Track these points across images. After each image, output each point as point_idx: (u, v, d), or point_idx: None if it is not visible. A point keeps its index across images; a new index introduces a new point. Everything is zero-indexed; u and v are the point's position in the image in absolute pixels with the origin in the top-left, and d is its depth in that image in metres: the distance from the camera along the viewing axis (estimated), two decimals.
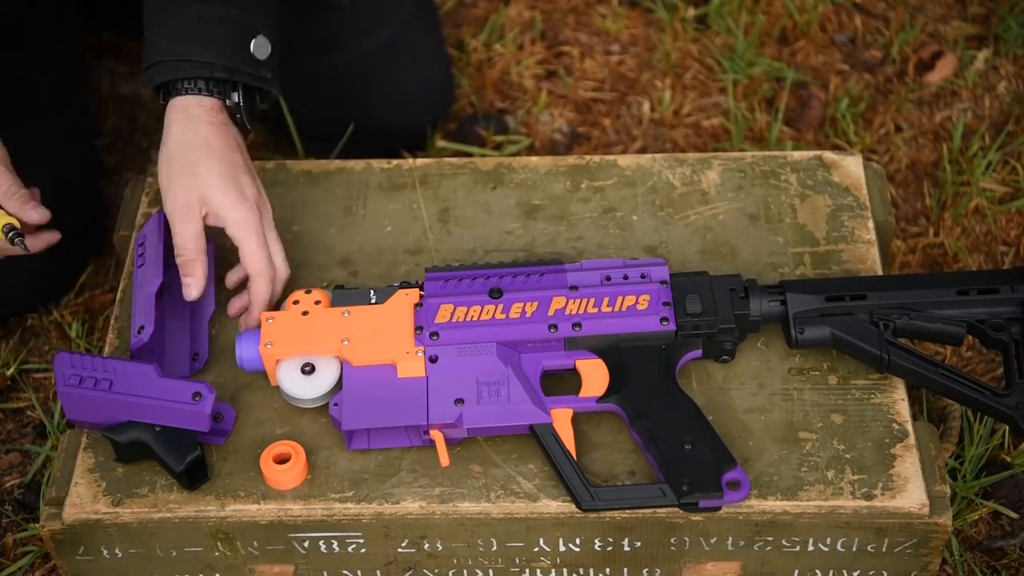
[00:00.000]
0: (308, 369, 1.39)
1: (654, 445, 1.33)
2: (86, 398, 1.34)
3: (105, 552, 1.38)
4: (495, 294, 1.41)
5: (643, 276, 1.43)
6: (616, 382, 1.38)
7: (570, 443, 1.35)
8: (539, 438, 1.35)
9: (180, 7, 1.43)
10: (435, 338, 1.39)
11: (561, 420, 1.36)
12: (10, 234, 1.42)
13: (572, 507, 1.34)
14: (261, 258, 1.42)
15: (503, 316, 1.40)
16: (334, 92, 1.86)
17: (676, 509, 1.33)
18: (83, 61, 1.92)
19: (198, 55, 1.42)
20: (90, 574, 1.41)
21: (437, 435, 1.35)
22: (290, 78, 1.87)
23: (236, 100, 1.45)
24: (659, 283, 1.42)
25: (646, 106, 2.05)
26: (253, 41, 1.44)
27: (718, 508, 1.32)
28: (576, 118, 2.06)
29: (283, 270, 1.45)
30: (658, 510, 1.33)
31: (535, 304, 1.41)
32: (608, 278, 1.43)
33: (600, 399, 1.37)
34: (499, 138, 2.00)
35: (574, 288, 1.42)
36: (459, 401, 1.36)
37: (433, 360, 1.38)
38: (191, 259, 1.40)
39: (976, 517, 1.59)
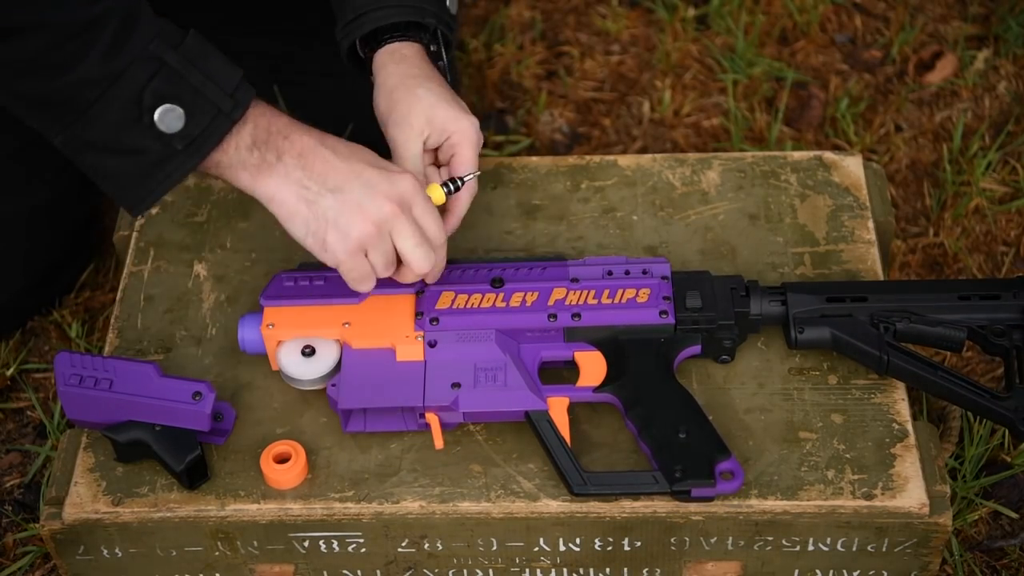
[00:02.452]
0: (308, 351, 1.40)
1: (648, 433, 1.34)
2: (86, 397, 1.34)
3: (105, 552, 1.38)
4: (496, 283, 1.42)
5: (644, 272, 1.43)
6: (613, 373, 1.38)
7: (564, 431, 1.35)
8: (534, 424, 1.35)
9: None
10: (435, 324, 1.40)
11: (557, 408, 1.36)
12: (452, 186, 1.42)
13: (572, 507, 1.34)
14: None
15: (503, 304, 1.41)
16: (337, 114, 1.86)
17: (676, 508, 1.33)
18: None
19: (410, 0, 1.45)
20: (90, 574, 1.41)
21: (433, 418, 1.36)
22: (294, 99, 1.88)
23: (434, 48, 1.48)
24: (660, 278, 1.42)
25: (646, 106, 2.05)
26: None
27: (711, 498, 1.32)
28: (576, 118, 2.06)
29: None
30: (658, 509, 1.33)
31: (535, 294, 1.41)
32: (609, 272, 1.43)
33: (596, 389, 1.38)
34: (499, 138, 2.00)
35: (575, 280, 1.42)
36: (456, 385, 1.36)
37: (432, 345, 1.39)
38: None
39: (976, 517, 1.59)
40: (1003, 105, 2.03)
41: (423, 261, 1.34)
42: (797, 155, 1.63)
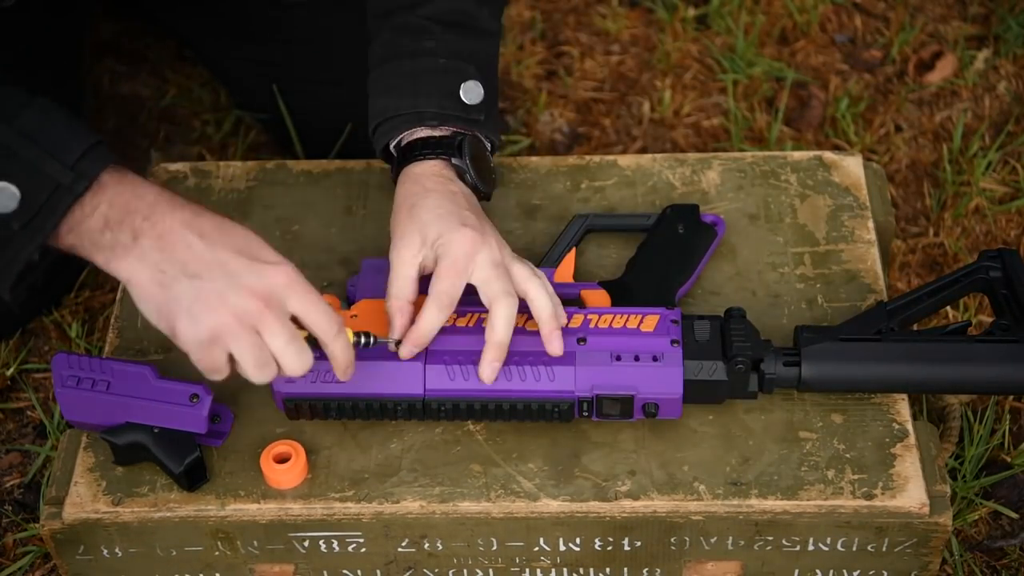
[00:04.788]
0: None
1: None
2: (84, 399, 1.34)
3: (105, 551, 1.38)
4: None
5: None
6: None
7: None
8: None
9: (394, 67, 1.45)
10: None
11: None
12: (364, 338, 1.32)
13: (572, 506, 1.34)
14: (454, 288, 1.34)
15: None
16: (336, 121, 1.86)
17: (676, 508, 1.33)
18: (84, 89, 1.91)
19: (408, 107, 1.42)
20: (90, 574, 1.41)
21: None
22: (294, 105, 1.88)
23: (462, 159, 1.41)
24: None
25: (646, 106, 2.06)
26: (463, 86, 1.44)
27: None
28: (576, 118, 2.06)
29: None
30: (658, 509, 1.33)
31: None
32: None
33: None
34: None
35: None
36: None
37: None
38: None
39: (976, 517, 1.59)
40: (1003, 105, 2.03)
41: (294, 360, 1.23)
42: (797, 155, 1.63)
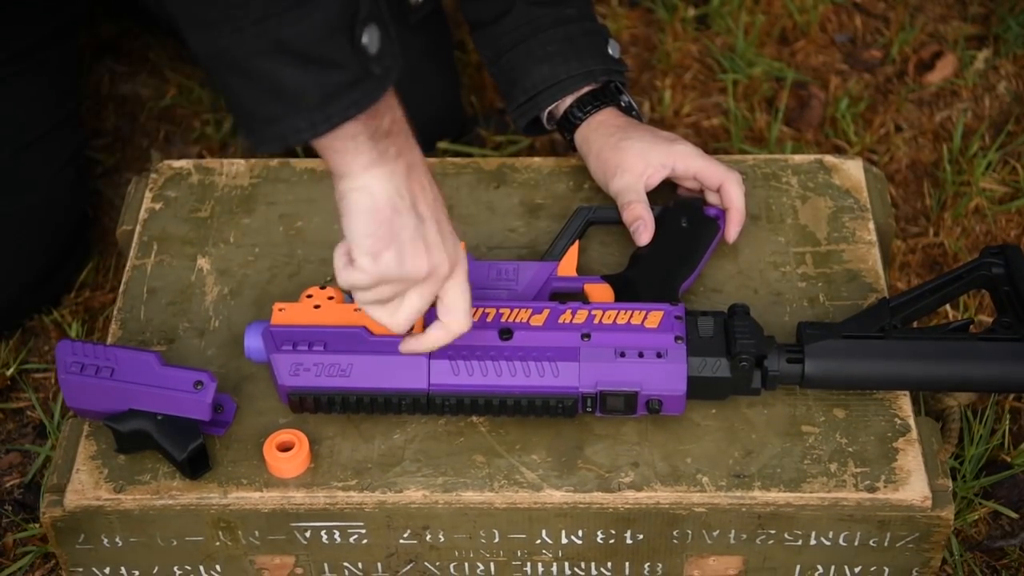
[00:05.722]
0: None
1: None
2: (87, 385, 1.34)
3: (105, 541, 1.38)
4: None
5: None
6: None
7: None
8: None
9: (546, 37, 1.60)
10: None
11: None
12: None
13: (575, 497, 1.34)
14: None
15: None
16: None
17: (679, 500, 1.33)
18: (77, 82, 1.91)
19: (577, 68, 1.57)
20: (90, 563, 1.40)
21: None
22: None
23: (627, 100, 1.60)
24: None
25: (646, 106, 2.06)
26: (609, 43, 1.61)
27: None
28: None
29: None
30: (661, 500, 1.33)
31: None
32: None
33: None
34: (499, 138, 2.00)
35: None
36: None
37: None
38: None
39: (976, 517, 1.59)
40: (1003, 105, 2.04)
41: (467, 316, 1.29)
42: (798, 158, 1.63)
